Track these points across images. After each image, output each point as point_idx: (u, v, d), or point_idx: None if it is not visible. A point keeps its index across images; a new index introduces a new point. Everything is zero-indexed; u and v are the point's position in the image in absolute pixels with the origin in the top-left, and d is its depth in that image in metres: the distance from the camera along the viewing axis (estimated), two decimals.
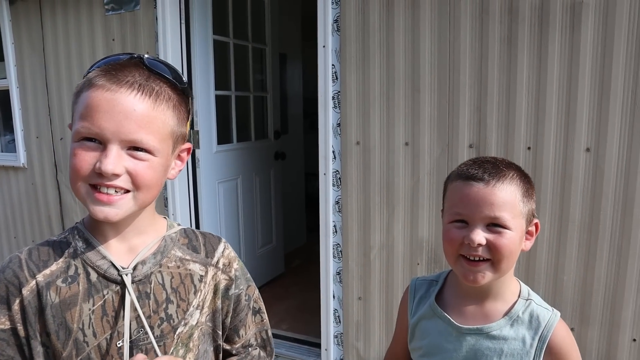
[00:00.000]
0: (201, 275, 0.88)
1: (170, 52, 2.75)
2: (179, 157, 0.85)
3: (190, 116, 0.85)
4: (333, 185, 2.38)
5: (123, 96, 0.73)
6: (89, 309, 0.78)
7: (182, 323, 0.84)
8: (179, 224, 0.92)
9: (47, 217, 3.51)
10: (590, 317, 2.00)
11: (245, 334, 0.94)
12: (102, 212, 0.74)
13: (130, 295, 0.78)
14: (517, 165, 0.97)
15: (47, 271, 0.78)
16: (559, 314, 0.98)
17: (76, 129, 0.74)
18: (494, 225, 0.89)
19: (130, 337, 0.78)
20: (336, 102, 2.32)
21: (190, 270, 0.87)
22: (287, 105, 4.47)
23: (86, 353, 0.77)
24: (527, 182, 0.94)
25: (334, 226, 2.41)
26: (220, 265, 0.91)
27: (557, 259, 2.01)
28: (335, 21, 2.27)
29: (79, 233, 0.82)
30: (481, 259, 0.90)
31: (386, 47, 2.18)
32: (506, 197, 0.89)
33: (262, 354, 0.96)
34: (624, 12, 1.78)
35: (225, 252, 0.93)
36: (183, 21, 2.79)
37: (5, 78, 3.46)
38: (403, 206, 2.23)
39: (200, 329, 0.87)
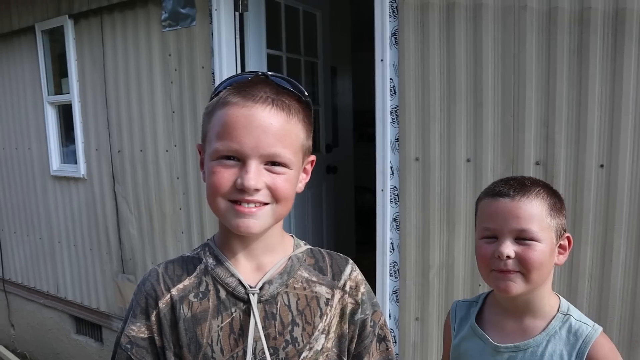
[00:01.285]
0: (327, 299, 0.84)
1: (225, 66, 2.79)
2: (305, 170, 0.85)
3: (313, 128, 0.85)
4: (391, 201, 2.33)
5: (259, 111, 0.74)
6: (218, 326, 0.79)
7: (307, 347, 0.81)
8: (305, 243, 0.90)
9: (105, 227, 3.62)
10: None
11: None
12: (244, 224, 0.76)
13: (255, 316, 0.78)
14: (545, 182, 1.02)
15: (180, 285, 0.81)
16: (600, 328, 0.95)
17: (214, 147, 0.76)
18: (522, 238, 0.93)
19: (255, 358, 0.78)
20: (394, 116, 2.28)
21: (316, 292, 0.84)
22: (337, 118, 4.45)
23: None
24: (555, 197, 0.98)
25: (391, 244, 2.35)
26: (347, 288, 0.87)
27: (636, 282, 1.88)
28: (393, 34, 2.23)
29: (209, 250, 0.84)
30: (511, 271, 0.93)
31: (446, 60, 2.12)
32: (532, 210, 0.93)
33: None
34: None
35: (352, 274, 0.89)
36: (237, 36, 2.82)
37: (69, 93, 3.61)
38: (464, 225, 2.15)
39: (327, 355, 0.83)
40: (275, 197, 0.77)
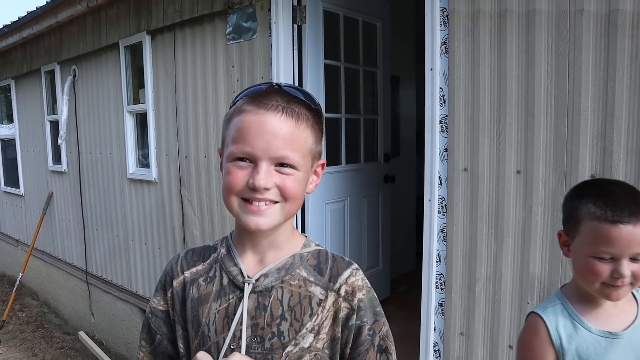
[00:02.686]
0: (320, 299, 0.87)
1: (283, 76, 2.89)
2: (315, 173, 0.91)
3: (323, 134, 0.90)
4: (438, 212, 2.29)
5: (270, 118, 0.81)
6: (216, 309, 0.87)
7: (293, 343, 0.85)
8: (317, 244, 0.95)
9: (172, 228, 3.86)
10: None
11: None
12: (253, 221, 0.83)
13: (243, 304, 0.85)
14: None
15: (194, 269, 0.92)
16: None
17: (230, 150, 0.84)
18: (637, 259, 1.01)
19: (237, 343, 0.84)
20: (443, 126, 2.24)
21: (310, 292, 0.88)
22: (399, 128, 4.43)
23: (207, 347, 0.86)
24: None
25: (438, 255, 2.31)
26: (342, 292, 0.89)
27: None
28: (444, 43, 2.21)
29: (226, 241, 0.95)
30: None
31: (497, 69, 2.06)
32: None
33: None
34: None
35: (350, 279, 0.90)
36: (296, 47, 2.92)
37: (144, 102, 3.90)
38: (513, 238, 2.07)
39: (315, 354, 0.86)
40: (284, 196, 0.83)
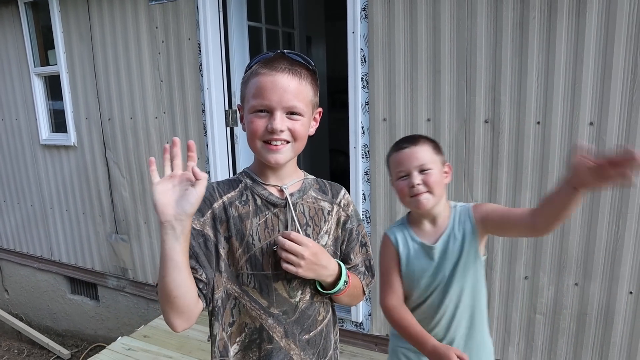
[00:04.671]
0: (329, 211, 1.17)
1: (211, 38, 3.02)
2: (314, 119, 1.15)
3: (319, 89, 1.15)
4: (362, 157, 2.66)
5: (280, 77, 1.03)
6: (257, 223, 1.10)
7: (316, 241, 1.11)
8: (311, 176, 1.23)
9: (97, 192, 3.85)
10: (592, 272, 2.27)
11: (354, 259, 1.21)
12: (274, 157, 1.06)
13: (291, 209, 1.11)
14: (427, 136, 1.46)
15: (229, 195, 1.11)
16: (472, 203, 1.45)
17: (251, 104, 1.05)
18: (422, 170, 1.37)
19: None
20: (365, 82, 2.58)
21: (321, 206, 1.17)
22: None
23: (253, 252, 1.09)
24: (435, 142, 1.43)
25: (363, 194, 2.69)
26: (342, 204, 1.20)
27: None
28: (363, 9, 2.51)
29: (247, 175, 1.15)
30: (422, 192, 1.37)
31: (410, 33, 2.42)
32: (424, 151, 1.38)
33: (367, 273, 1.24)
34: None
35: (346, 196, 1.22)
36: (221, 10, 3.05)
37: (56, 64, 3.77)
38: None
39: (326, 249, 1.14)
40: (294, 137, 1.06)
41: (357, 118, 2.62)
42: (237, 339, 1.13)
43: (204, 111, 3.16)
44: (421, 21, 2.38)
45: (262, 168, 1.13)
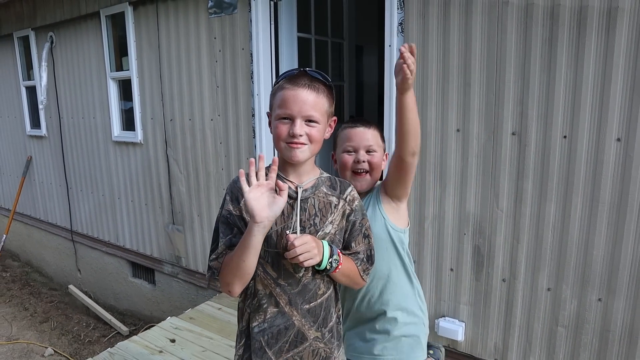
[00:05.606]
0: (335, 204, 1.38)
1: (262, 48, 3.27)
2: (330, 126, 1.38)
3: (334, 101, 1.37)
4: None
5: (301, 91, 1.27)
6: None
7: (321, 230, 1.34)
8: (326, 173, 1.44)
9: (158, 185, 4.24)
10: (616, 289, 2.27)
11: (355, 247, 1.40)
12: (296, 155, 1.29)
13: (297, 204, 1.33)
14: (376, 124, 1.62)
15: None
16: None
17: (277, 113, 1.29)
18: (369, 151, 1.54)
19: (293, 228, 1.33)
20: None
21: (330, 200, 1.38)
22: (363, 92, 4.88)
23: (270, 233, 1.30)
24: (381, 130, 1.60)
25: None
26: (347, 199, 1.40)
27: (588, 234, 2.29)
28: (400, 24, 2.65)
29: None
30: (363, 171, 1.55)
31: (442, 47, 2.53)
32: (374, 137, 1.56)
33: (366, 261, 1.42)
34: None
35: (352, 193, 1.42)
36: (272, 22, 3.30)
37: (128, 70, 4.19)
38: (453, 184, 2.60)
39: (330, 237, 1.36)
40: (311, 140, 1.29)
41: (391, 127, 2.76)
42: (251, 302, 1.38)
43: (253, 115, 3.42)
44: (453, 36, 2.49)
45: (285, 165, 1.36)
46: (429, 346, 2.58)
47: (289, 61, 3.46)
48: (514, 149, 2.41)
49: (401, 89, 1.33)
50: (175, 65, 3.82)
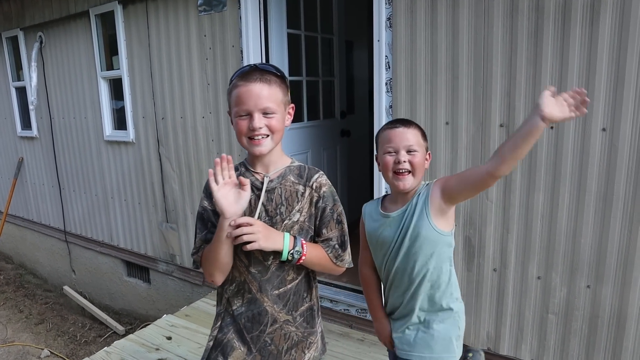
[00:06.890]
0: (302, 192, 1.41)
1: (252, 45, 3.29)
2: (288, 113, 1.42)
3: (289, 90, 1.41)
4: None
5: (254, 86, 1.32)
6: None
7: (288, 218, 1.39)
8: (299, 162, 1.48)
9: (151, 184, 4.24)
10: (604, 276, 2.31)
11: (327, 233, 1.43)
12: (258, 149, 1.34)
13: (262, 195, 1.38)
14: (417, 124, 1.60)
15: None
16: (434, 181, 1.57)
17: (235, 110, 1.34)
18: (410, 151, 1.52)
19: (259, 217, 1.38)
20: (388, 87, 2.74)
21: (296, 189, 1.41)
22: (353, 88, 4.90)
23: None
24: (423, 130, 1.58)
25: (386, 191, 2.86)
26: (314, 186, 1.42)
27: (576, 223, 2.33)
28: (388, 19, 2.68)
29: (242, 164, 1.45)
30: (405, 171, 1.52)
31: (430, 41, 2.56)
32: (413, 135, 1.54)
33: (338, 247, 1.44)
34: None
35: (318, 179, 1.43)
36: (262, 19, 3.31)
37: (119, 69, 4.19)
38: (444, 174, 2.62)
39: (299, 225, 1.41)
40: (271, 130, 1.34)
41: (380, 120, 2.79)
42: (228, 288, 1.46)
43: None
44: (441, 30, 2.52)
45: (252, 158, 1.42)
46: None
47: (279, 58, 3.48)
48: (502, 141, 2.45)
49: (551, 121, 1.22)
50: (166, 64, 3.82)
